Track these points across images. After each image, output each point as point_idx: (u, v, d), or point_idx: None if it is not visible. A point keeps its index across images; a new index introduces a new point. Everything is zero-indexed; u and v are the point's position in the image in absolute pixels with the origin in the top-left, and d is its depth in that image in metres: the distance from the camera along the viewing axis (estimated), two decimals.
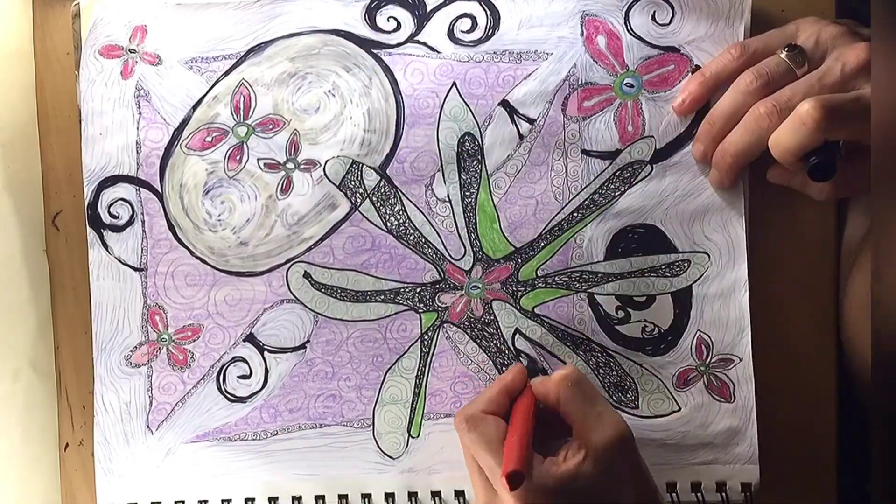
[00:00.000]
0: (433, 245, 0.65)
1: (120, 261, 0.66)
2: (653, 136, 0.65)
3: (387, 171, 0.65)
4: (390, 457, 0.66)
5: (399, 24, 0.65)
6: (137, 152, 0.66)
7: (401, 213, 0.65)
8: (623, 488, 0.56)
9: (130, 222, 0.66)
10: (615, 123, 0.65)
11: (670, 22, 0.64)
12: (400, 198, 0.65)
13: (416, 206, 0.65)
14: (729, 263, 0.65)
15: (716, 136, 0.62)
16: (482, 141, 0.65)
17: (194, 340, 0.66)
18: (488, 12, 0.65)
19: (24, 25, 0.68)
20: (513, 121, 0.65)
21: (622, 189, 0.65)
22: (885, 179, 0.42)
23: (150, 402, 0.66)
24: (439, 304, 0.66)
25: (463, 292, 0.66)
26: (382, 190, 0.65)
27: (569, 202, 0.65)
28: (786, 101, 0.58)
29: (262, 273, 0.66)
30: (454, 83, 0.65)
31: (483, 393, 0.61)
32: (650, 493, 0.58)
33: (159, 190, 0.66)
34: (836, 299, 0.66)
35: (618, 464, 0.56)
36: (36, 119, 0.68)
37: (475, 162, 0.65)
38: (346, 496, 0.66)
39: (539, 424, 0.60)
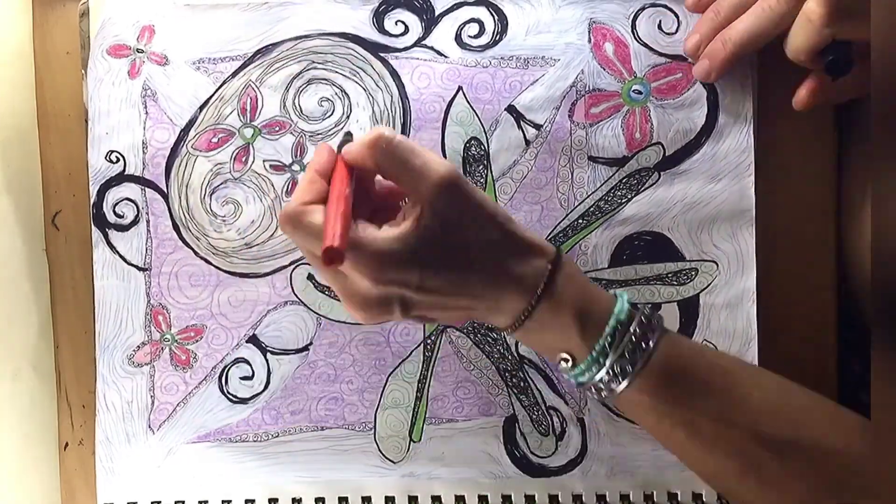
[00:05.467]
0: None
1: (124, 260, 0.71)
2: (661, 144, 0.70)
3: None
4: (391, 460, 0.71)
5: (407, 28, 0.71)
6: (143, 152, 0.71)
7: None
8: (470, 228, 0.58)
9: (135, 222, 0.71)
10: (622, 130, 0.70)
11: (676, 31, 0.70)
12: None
13: None
14: (737, 273, 0.70)
15: (718, 26, 0.66)
16: (488, 146, 0.70)
17: (197, 341, 0.71)
18: (496, 18, 0.71)
19: (24, 25, 0.73)
20: (519, 126, 0.70)
21: (629, 196, 0.70)
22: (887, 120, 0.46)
23: (152, 402, 0.71)
24: None
25: None
26: None
27: (574, 209, 0.70)
28: None
29: (266, 274, 0.71)
30: (461, 88, 0.70)
31: (298, 185, 0.62)
32: (499, 225, 0.59)
33: (165, 190, 0.71)
34: (838, 310, 0.71)
35: (456, 205, 0.57)
36: (36, 119, 0.73)
37: (481, 167, 0.70)
38: (346, 499, 0.71)
39: (374, 200, 0.62)
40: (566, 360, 0.60)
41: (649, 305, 0.61)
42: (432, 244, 0.57)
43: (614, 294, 0.61)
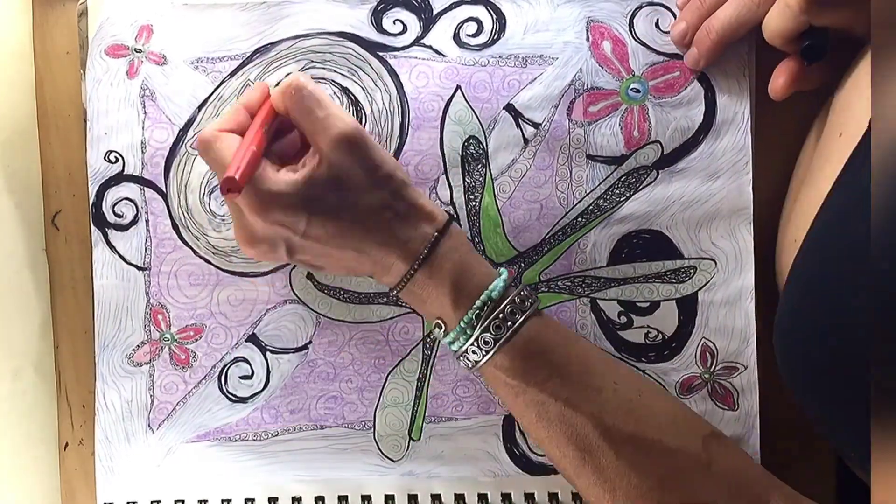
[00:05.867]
0: None
1: (124, 259, 0.71)
2: (659, 142, 0.70)
3: None
4: (391, 459, 0.72)
5: (405, 27, 0.71)
6: (142, 152, 0.71)
7: None
8: (363, 186, 0.61)
9: (135, 221, 0.71)
10: (621, 129, 0.70)
11: None
12: None
13: None
14: (736, 271, 0.70)
15: (703, 14, 0.68)
16: (487, 145, 0.71)
17: (196, 340, 0.72)
18: (494, 17, 0.71)
19: (24, 25, 0.73)
20: (518, 125, 0.71)
21: (627, 194, 0.70)
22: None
23: (152, 401, 0.72)
24: None
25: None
26: None
27: (573, 207, 0.71)
28: None
29: (265, 273, 0.71)
30: (459, 87, 0.71)
31: (223, 112, 0.66)
32: (393, 188, 0.62)
33: (164, 190, 0.71)
34: None
35: (352, 161, 0.61)
36: (36, 118, 0.73)
37: (479, 166, 0.71)
38: (345, 497, 0.71)
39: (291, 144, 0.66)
40: (439, 326, 0.64)
41: (529, 286, 0.65)
42: (323, 194, 0.61)
43: (498, 271, 0.64)
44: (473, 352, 0.63)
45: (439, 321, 0.64)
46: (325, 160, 0.61)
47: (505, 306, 0.62)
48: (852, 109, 0.61)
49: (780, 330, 0.61)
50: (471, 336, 0.62)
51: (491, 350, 0.62)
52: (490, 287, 0.63)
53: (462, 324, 0.62)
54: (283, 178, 0.60)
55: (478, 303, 0.62)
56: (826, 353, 0.55)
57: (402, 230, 0.63)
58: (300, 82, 0.62)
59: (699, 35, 0.68)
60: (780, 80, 0.66)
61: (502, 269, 0.65)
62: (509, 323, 0.62)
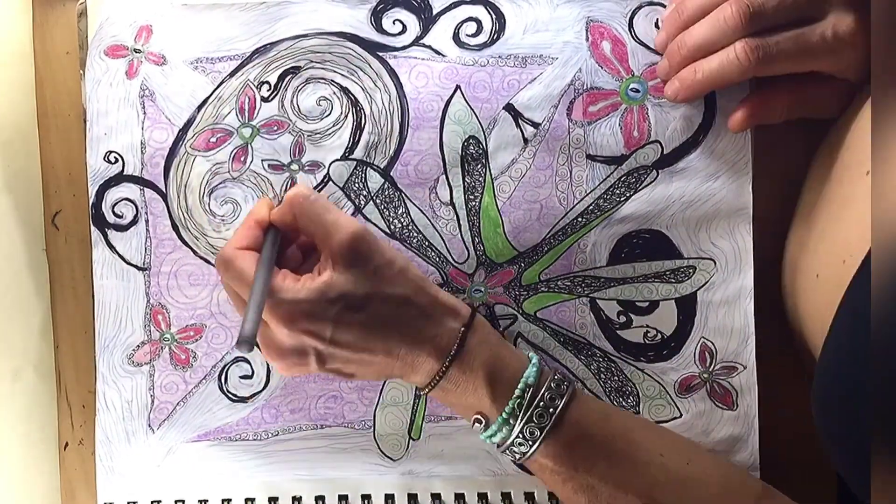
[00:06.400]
0: (436, 248, 0.71)
1: (123, 260, 0.71)
2: (659, 142, 0.70)
3: (391, 174, 0.70)
4: (391, 458, 0.72)
5: (405, 27, 0.71)
6: (142, 152, 0.71)
7: (404, 216, 0.71)
8: (379, 285, 0.61)
9: (134, 222, 0.71)
10: (620, 128, 0.70)
11: None
12: (404, 201, 0.71)
13: (419, 209, 0.71)
14: (735, 270, 0.70)
15: (681, 25, 0.66)
16: (486, 145, 0.71)
17: (197, 340, 0.72)
18: (494, 16, 0.71)
19: (24, 25, 0.73)
20: (517, 125, 0.71)
21: (627, 194, 0.70)
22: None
23: (152, 401, 0.72)
24: None
25: (465, 296, 0.71)
26: (386, 193, 0.71)
27: (573, 207, 0.70)
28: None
29: None
30: (459, 87, 0.70)
31: (237, 229, 0.65)
32: (411, 284, 0.63)
33: (163, 190, 0.71)
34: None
35: (364, 262, 0.61)
36: (36, 119, 0.73)
37: (479, 166, 0.71)
38: (346, 497, 0.71)
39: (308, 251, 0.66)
40: (479, 422, 0.64)
41: (560, 370, 0.65)
42: (343, 299, 0.60)
43: (528, 356, 0.65)
44: (520, 444, 0.62)
45: (479, 416, 0.64)
46: (341, 262, 0.61)
47: (543, 392, 0.62)
48: None
49: (819, 383, 0.59)
50: (514, 427, 0.62)
51: (538, 440, 0.62)
52: (525, 375, 0.62)
53: (504, 415, 0.62)
54: (303, 286, 0.60)
55: (517, 392, 0.62)
56: (863, 416, 0.53)
57: (428, 327, 0.62)
58: (305, 191, 0.63)
59: (685, 73, 0.67)
60: (738, 115, 0.68)
61: (531, 354, 0.65)
62: (551, 410, 0.62)
